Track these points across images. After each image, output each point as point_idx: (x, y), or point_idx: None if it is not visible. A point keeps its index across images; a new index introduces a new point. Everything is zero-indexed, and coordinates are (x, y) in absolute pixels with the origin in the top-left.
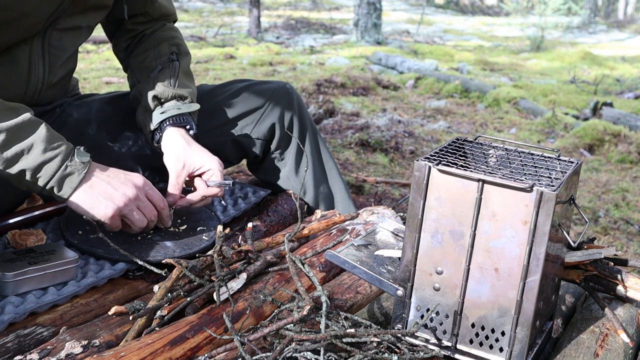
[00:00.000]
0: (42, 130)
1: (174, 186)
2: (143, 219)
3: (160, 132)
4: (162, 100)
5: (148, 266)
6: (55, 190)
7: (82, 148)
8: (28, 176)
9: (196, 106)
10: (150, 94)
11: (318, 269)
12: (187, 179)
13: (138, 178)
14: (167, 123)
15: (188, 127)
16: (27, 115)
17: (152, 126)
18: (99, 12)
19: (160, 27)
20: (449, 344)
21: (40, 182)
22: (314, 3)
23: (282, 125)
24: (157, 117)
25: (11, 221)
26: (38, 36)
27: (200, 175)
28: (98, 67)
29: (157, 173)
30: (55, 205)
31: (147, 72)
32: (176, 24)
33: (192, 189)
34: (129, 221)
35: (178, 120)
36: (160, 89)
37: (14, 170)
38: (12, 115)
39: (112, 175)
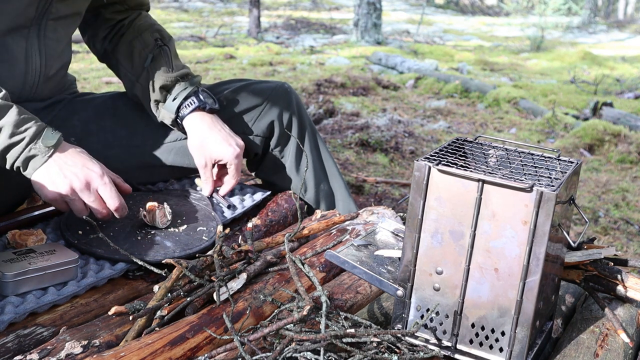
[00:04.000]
0: (12, 114)
1: (206, 179)
2: (83, 211)
3: (181, 121)
4: (168, 87)
5: (148, 266)
6: (21, 170)
7: (52, 130)
8: None
9: (199, 77)
10: (157, 86)
11: (318, 269)
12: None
13: (94, 173)
14: (183, 111)
15: (201, 106)
16: None
17: (172, 117)
18: (83, 0)
19: (137, 16)
20: (449, 344)
21: (8, 164)
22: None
23: (281, 124)
24: (171, 105)
25: (11, 221)
26: (33, 28)
27: (224, 166)
28: (98, 67)
29: (154, 171)
30: None
31: (139, 62)
32: (176, 24)
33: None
34: (71, 208)
35: (191, 103)
36: (163, 77)
37: None
38: None
39: (70, 161)
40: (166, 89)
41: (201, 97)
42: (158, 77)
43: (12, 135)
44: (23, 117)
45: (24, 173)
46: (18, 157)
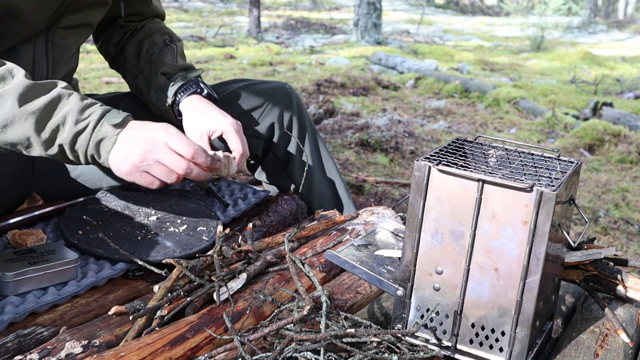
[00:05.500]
0: (73, 101)
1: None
2: (166, 171)
3: (177, 106)
4: (170, 74)
5: (148, 266)
6: (96, 157)
7: (118, 110)
8: (68, 152)
9: (201, 70)
10: (159, 72)
11: (318, 269)
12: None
13: (157, 129)
14: (180, 95)
15: (199, 90)
16: (57, 90)
17: (169, 101)
18: (99, 10)
19: (150, 21)
20: (449, 344)
21: (81, 156)
22: (314, 3)
23: (282, 125)
24: (170, 90)
25: (11, 221)
26: (42, 35)
27: (220, 138)
28: (98, 67)
29: None
30: (55, 205)
31: (145, 57)
32: (176, 24)
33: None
34: (154, 176)
35: (189, 88)
36: (166, 66)
37: (54, 149)
38: (43, 94)
39: (134, 132)
40: (167, 76)
41: (200, 84)
42: (161, 66)
43: (76, 122)
44: (85, 103)
45: (100, 161)
46: (88, 144)
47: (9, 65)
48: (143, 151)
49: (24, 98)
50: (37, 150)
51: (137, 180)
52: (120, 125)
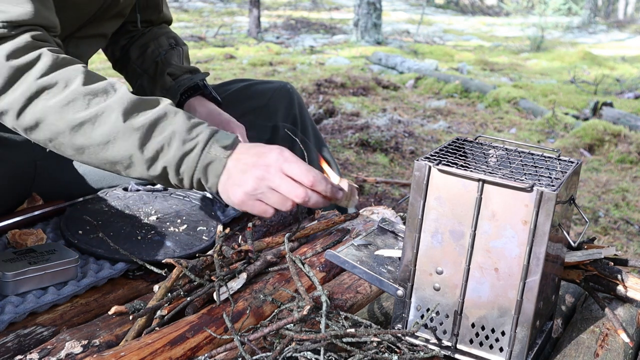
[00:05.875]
0: (181, 119)
1: None
2: (282, 199)
3: (181, 107)
4: (176, 75)
5: (148, 266)
6: (203, 182)
7: (225, 131)
8: (172, 174)
9: (206, 73)
10: (166, 73)
11: (318, 268)
12: None
13: (270, 153)
14: (186, 96)
15: (205, 92)
16: (163, 107)
17: (174, 102)
18: (116, 21)
19: (157, 26)
20: (449, 343)
21: (186, 180)
22: (314, 3)
23: (283, 125)
24: (174, 90)
25: (11, 221)
26: None
27: None
28: (98, 67)
29: None
30: (55, 205)
31: (150, 58)
32: (176, 24)
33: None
34: (267, 204)
35: (195, 90)
36: (173, 67)
37: (157, 169)
38: (148, 109)
39: (243, 155)
40: (173, 77)
41: (207, 87)
42: (168, 67)
43: (184, 142)
44: (193, 122)
45: (208, 186)
46: (195, 166)
47: (111, 79)
48: (256, 178)
49: (129, 113)
50: (137, 171)
51: (249, 210)
52: (231, 147)
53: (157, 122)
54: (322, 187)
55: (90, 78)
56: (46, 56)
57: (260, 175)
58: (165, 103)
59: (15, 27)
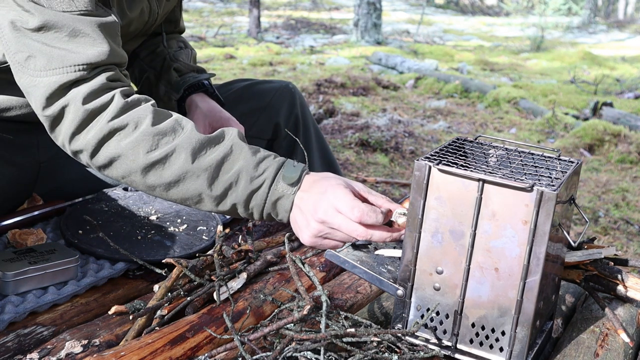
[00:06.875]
0: (247, 155)
1: None
2: (346, 237)
3: (183, 102)
4: (182, 72)
5: (148, 266)
6: (273, 215)
7: (293, 162)
8: (241, 210)
9: (212, 74)
10: (172, 67)
11: (318, 268)
12: None
13: (327, 191)
14: (189, 91)
15: (209, 90)
16: (228, 143)
17: (176, 96)
18: (139, 40)
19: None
20: (449, 343)
21: (256, 213)
22: (314, 3)
23: (285, 125)
24: (178, 85)
25: (11, 221)
26: None
27: None
28: None
29: None
30: (55, 205)
31: (159, 56)
32: None
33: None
34: (337, 240)
35: (200, 86)
36: (180, 63)
37: (226, 205)
38: (215, 146)
39: (308, 195)
40: (179, 73)
41: (212, 87)
42: (175, 62)
43: (251, 180)
44: (259, 156)
45: (279, 219)
46: (264, 203)
47: (176, 115)
48: (318, 222)
49: (197, 152)
50: (207, 206)
51: (322, 247)
52: (297, 183)
53: (224, 160)
54: (372, 220)
55: (159, 117)
56: (118, 98)
57: (321, 220)
58: (231, 136)
59: (93, 68)
